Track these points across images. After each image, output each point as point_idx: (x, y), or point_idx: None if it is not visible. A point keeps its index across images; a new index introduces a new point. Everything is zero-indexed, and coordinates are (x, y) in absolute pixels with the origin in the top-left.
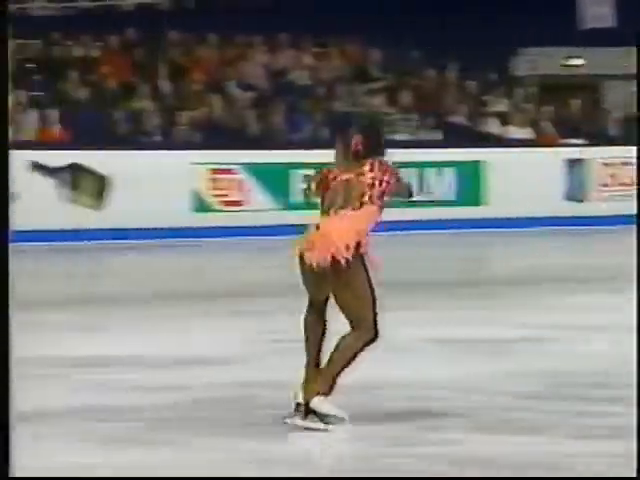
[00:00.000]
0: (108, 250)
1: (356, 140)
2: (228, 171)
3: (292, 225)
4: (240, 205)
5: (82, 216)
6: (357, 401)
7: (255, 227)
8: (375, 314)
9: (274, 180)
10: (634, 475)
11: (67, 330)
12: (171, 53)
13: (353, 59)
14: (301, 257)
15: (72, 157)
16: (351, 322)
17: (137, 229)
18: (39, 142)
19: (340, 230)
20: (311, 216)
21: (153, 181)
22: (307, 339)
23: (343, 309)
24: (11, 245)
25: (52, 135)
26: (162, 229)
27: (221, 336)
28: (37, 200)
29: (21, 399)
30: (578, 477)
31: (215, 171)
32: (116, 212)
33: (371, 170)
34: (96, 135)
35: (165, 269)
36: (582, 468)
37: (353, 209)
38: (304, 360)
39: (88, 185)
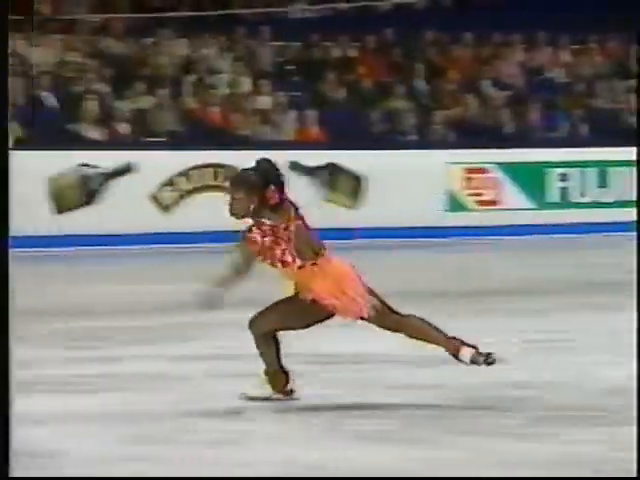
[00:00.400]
0: (363, 249)
1: (271, 193)
2: (483, 170)
3: (547, 224)
4: (495, 204)
5: (338, 215)
6: (612, 404)
7: (510, 226)
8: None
9: (529, 179)
10: (634, 475)
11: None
12: (427, 52)
13: (614, 55)
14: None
15: (329, 157)
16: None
17: (392, 228)
18: (297, 142)
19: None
20: (565, 215)
21: (408, 180)
22: (264, 354)
23: (389, 329)
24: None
25: (310, 135)
26: (416, 228)
27: (489, 335)
28: (295, 199)
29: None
30: (578, 477)
31: (470, 170)
32: (371, 211)
33: (298, 214)
34: (352, 135)
35: (424, 268)
36: None
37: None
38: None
39: (345, 185)
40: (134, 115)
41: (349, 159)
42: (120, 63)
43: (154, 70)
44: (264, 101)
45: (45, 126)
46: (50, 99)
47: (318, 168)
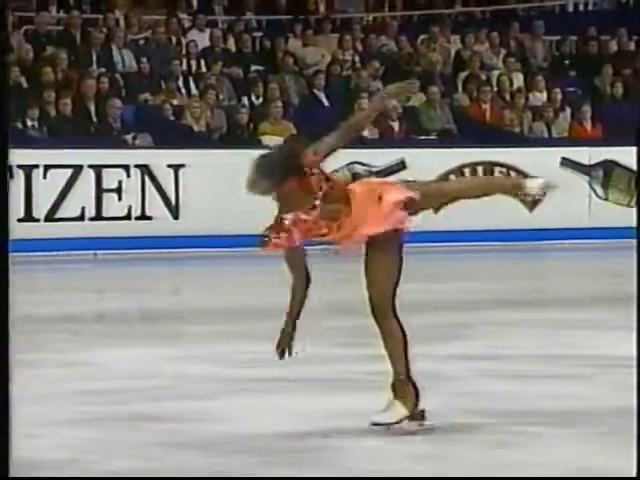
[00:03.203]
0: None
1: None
2: None
3: None
4: None
5: (613, 214)
6: None
7: None
8: None
9: None
10: (634, 475)
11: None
12: None
13: None
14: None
15: (604, 154)
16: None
17: None
18: (572, 139)
19: None
20: None
21: None
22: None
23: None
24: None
25: (585, 132)
26: None
27: None
28: (568, 198)
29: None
30: (578, 477)
31: None
32: None
33: None
34: (628, 131)
35: None
36: None
37: None
38: None
39: (620, 182)
40: (405, 113)
41: (625, 156)
42: (392, 60)
43: (425, 67)
44: (538, 97)
45: (318, 124)
46: (323, 98)
47: (593, 165)
